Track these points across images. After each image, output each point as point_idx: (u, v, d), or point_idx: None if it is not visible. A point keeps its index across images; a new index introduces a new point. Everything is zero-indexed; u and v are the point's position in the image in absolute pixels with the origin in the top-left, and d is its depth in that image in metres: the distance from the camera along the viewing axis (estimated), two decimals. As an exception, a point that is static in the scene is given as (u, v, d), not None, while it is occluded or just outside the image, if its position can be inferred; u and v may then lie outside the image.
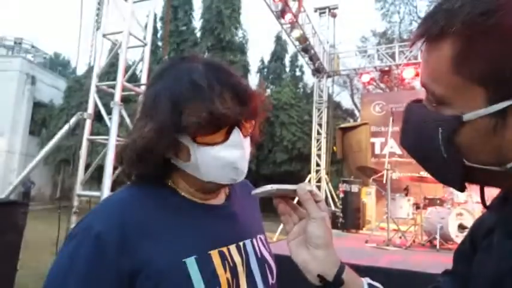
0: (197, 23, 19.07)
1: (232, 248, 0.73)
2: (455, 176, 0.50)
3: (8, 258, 3.03)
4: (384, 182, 5.13)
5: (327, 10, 10.54)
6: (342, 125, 10.37)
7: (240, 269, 0.72)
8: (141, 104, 0.74)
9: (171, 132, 0.65)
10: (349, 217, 6.43)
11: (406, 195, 5.38)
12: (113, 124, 3.81)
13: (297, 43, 9.28)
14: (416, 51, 9.69)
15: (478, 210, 4.70)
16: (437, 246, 4.45)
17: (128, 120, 4.08)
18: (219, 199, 0.80)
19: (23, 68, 18.28)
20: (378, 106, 9.59)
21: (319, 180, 10.44)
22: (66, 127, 4.04)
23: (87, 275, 0.60)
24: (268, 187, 0.63)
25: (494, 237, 0.54)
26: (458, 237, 4.49)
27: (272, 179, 16.12)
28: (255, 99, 0.71)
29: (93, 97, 4.23)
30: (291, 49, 20.15)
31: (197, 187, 0.74)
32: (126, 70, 4.42)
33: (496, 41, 0.42)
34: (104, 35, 4.38)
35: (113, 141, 3.71)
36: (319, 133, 10.78)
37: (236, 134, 0.68)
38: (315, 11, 10.68)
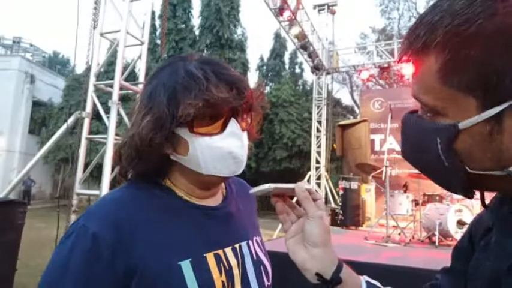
0: (196, 20, 19.05)
1: (228, 250, 0.73)
2: (460, 183, 0.50)
3: (7, 257, 3.03)
4: (383, 178, 5.14)
5: (325, 7, 10.52)
6: (341, 122, 10.37)
7: (236, 271, 0.72)
8: (138, 102, 0.74)
9: (169, 124, 0.65)
10: (348, 214, 6.45)
11: (405, 191, 5.39)
12: (111, 123, 3.81)
13: (295, 40, 9.27)
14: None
15: (477, 207, 4.71)
16: (437, 243, 4.46)
17: (126, 119, 4.07)
18: (216, 200, 0.80)
19: (22, 67, 18.26)
20: (377, 103, 9.59)
21: (319, 178, 10.46)
22: (64, 126, 4.04)
23: (82, 274, 0.60)
24: (266, 186, 0.63)
25: (492, 236, 0.54)
26: (457, 234, 4.51)
27: (272, 176, 16.16)
28: (251, 91, 0.71)
29: (91, 96, 4.22)
30: (290, 46, 20.17)
31: (197, 183, 0.74)
32: (124, 69, 4.41)
33: (478, 49, 0.42)
34: (101, 34, 4.37)
35: (111, 139, 3.71)
36: (318, 130, 10.79)
37: (233, 124, 0.69)
38: (314, 8, 10.66)
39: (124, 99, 4.22)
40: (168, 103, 0.66)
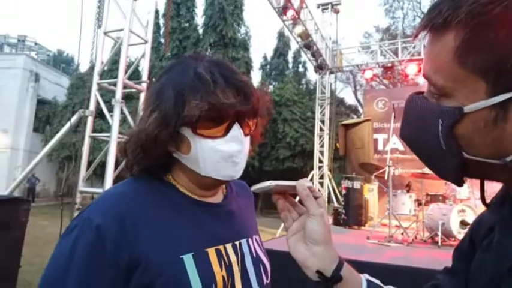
0: (200, 19, 19.06)
1: (229, 246, 0.74)
2: (454, 168, 0.50)
3: (11, 254, 3.05)
4: (386, 178, 5.12)
5: (329, 6, 10.49)
6: (345, 122, 10.34)
7: (236, 267, 0.73)
8: (146, 97, 0.75)
9: (174, 122, 0.67)
10: (351, 213, 6.43)
11: (408, 191, 5.37)
12: (114, 121, 3.83)
13: (299, 39, 9.25)
14: (419, 47, 9.64)
15: (480, 207, 4.61)
16: (439, 243, 4.44)
17: (129, 117, 4.09)
18: (217, 198, 0.81)
19: (26, 65, 18.36)
20: (380, 102, 9.55)
21: (321, 177, 10.45)
22: (68, 125, 4.06)
23: (86, 266, 0.61)
24: (267, 183, 0.64)
25: (493, 236, 0.53)
26: (460, 234, 4.48)
27: (275, 175, 16.14)
28: (258, 97, 0.72)
29: (94, 94, 4.24)
30: (294, 45, 20.11)
31: (196, 182, 0.75)
32: (128, 67, 4.43)
33: (501, 30, 0.42)
34: (105, 33, 4.38)
35: (114, 138, 3.73)
36: (321, 130, 10.77)
37: (236, 129, 0.70)
38: (318, 7, 10.63)
39: (127, 97, 4.24)
40: (175, 102, 0.67)
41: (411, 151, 0.56)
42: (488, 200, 0.59)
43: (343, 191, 6.76)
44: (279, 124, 17.01)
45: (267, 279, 0.79)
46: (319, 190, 0.67)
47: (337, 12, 10.53)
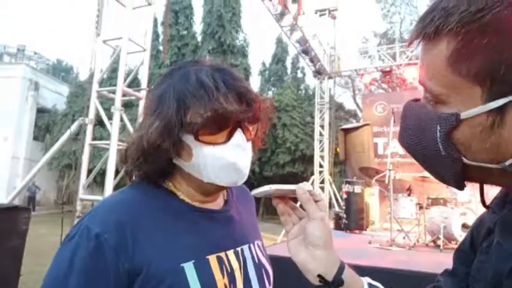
0: (198, 27, 19.18)
1: (230, 253, 0.73)
2: (454, 173, 0.50)
3: (12, 263, 3.04)
4: (387, 182, 5.11)
5: (327, 12, 10.55)
6: (344, 126, 10.36)
7: (238, 274, 0.72)
8: (147, 102, 0.74)
9: (177, 130, 0.66)
10: (352, 218, 6.41)
11: (409, 195, 5.36)
12: (114, 129, 3.83)
13: (297, 45, 9.30)
14: (417, 51, 9.68)
15: (482, 210, 4.63)
16: (441, 246, 4.42)
17: (129, 125, 4.10)
18: (217, 204, 0.80)
19: (26, 74, 18.44)
20: (379, 106, 9.57)
21: (322, 182, 10.44)
22: (67, 133, 4.07)
23: (86, 275, 0.60)
24: (267, 187, 0.63)
25: (493, 238, 0.53)
26: (462, 237, 4.41)
27: (275, 180, 16.12)
28: (259, 103, 0.71)
29: (93, 102, 4.25)
30: (292, 51, 20.24)
31: (197, 188, 0.74)
32: (127, 75, 4.45)
33: (492, 37, 0.42)
34: (104, 41, 4.41)
35: (114, 145, 3.73)
36: (321, 134, 10.78)
37: (238, 135, 0.69)
38: (315, 12, 10.70)
39: (127, 105, 4.25)
40: (177, 109, 0.66)
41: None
42: (488, 202, 0.59)
43: (344, 196, 6.74)
44: (278, 129, 17.03)
45: (269, 284, 0.78)
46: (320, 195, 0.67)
47: (334, 18, 10.59)
